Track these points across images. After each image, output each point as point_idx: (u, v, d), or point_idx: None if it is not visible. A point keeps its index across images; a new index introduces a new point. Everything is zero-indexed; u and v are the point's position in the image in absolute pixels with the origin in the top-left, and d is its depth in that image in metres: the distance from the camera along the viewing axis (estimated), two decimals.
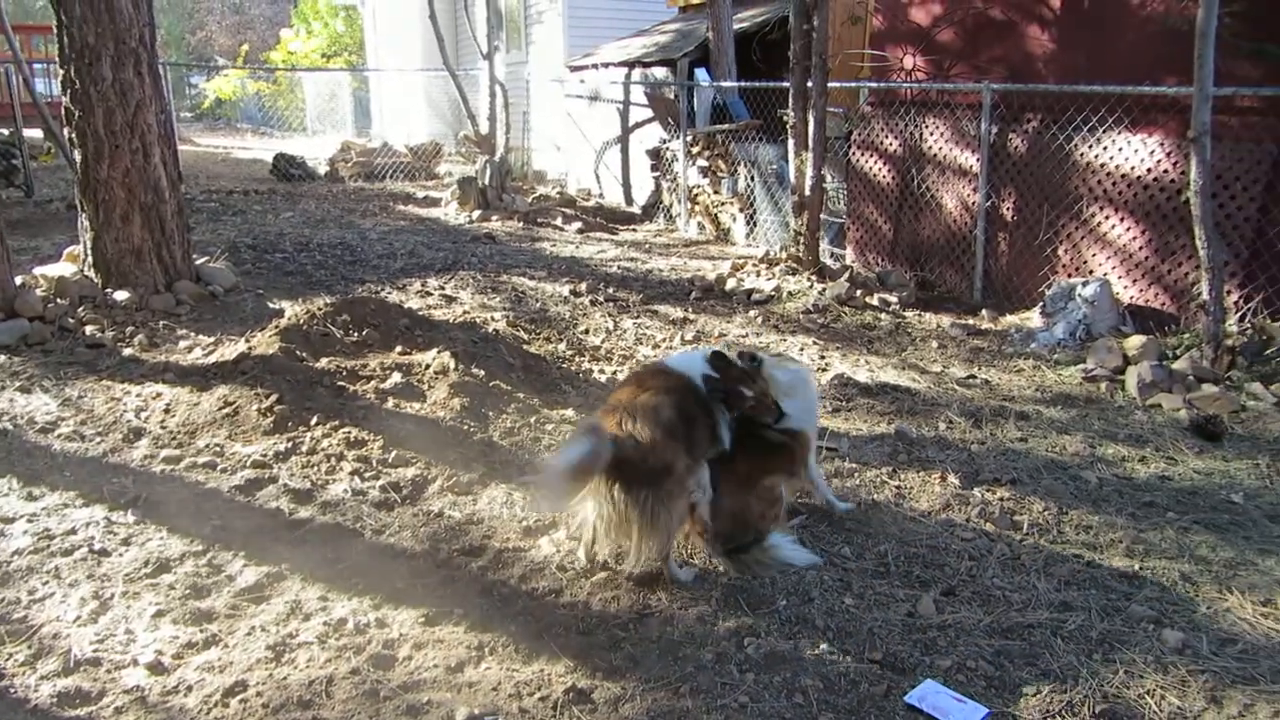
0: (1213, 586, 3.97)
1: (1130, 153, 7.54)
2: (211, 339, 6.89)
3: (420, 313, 7.33)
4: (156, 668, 3.35)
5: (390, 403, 5.62)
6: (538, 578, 3.97)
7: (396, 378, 5.83)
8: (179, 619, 3.63)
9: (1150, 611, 3.76)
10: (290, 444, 5.11)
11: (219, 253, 9.31)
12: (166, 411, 5.55)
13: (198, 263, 8.44)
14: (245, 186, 15.71)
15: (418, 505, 4.60)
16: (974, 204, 8.74)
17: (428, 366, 6.02)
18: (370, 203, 14.57)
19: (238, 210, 13.25)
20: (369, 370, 5.95)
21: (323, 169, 18.07)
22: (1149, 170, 7.42)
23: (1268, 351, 6.42)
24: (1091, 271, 7.89)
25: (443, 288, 8.80)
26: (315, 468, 4.91)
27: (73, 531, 4.24)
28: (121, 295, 7.47)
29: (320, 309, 6.63)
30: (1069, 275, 8.01)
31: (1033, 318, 7.84)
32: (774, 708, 3.16)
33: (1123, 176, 7.61)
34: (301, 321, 6.45)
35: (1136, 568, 4.10)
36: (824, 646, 3.56)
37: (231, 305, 7.98)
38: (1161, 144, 7.34)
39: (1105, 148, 7.69)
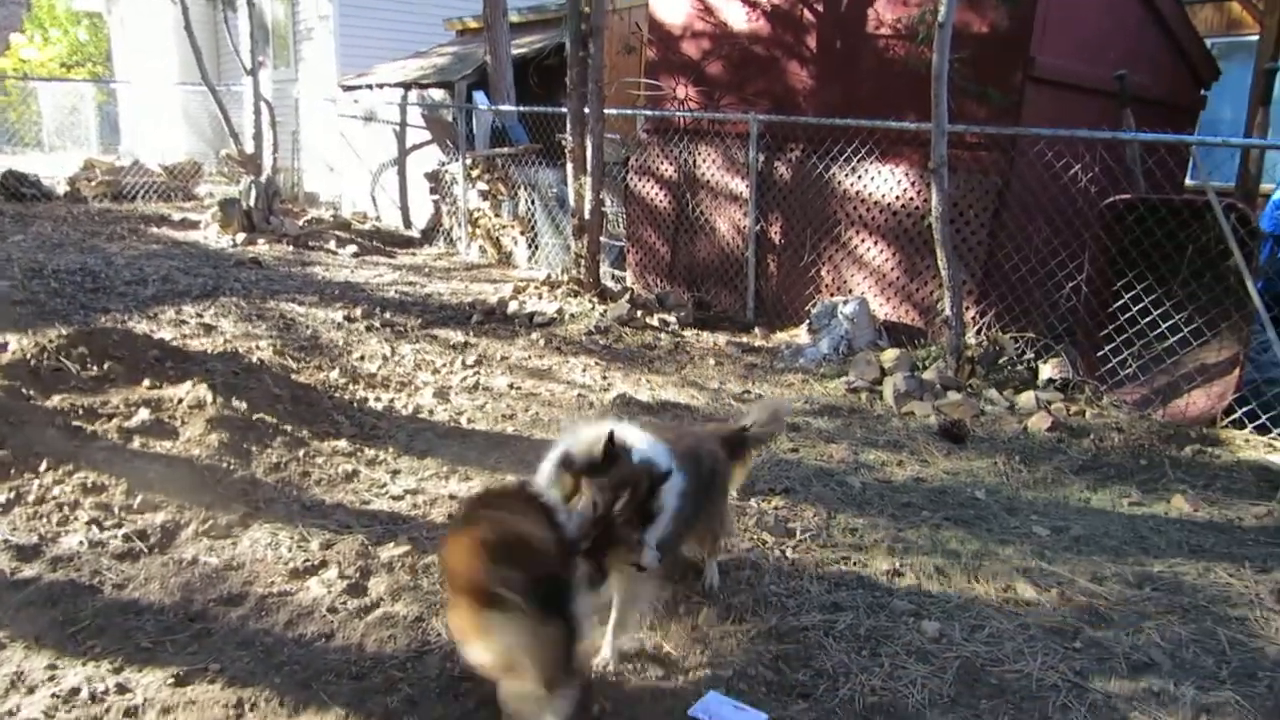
0: (963, 577, 4.28)
1: (881, 181, 8.13)
2: None
3: (174, 343, 6.75)
4: None
5: (136, 442, 5.10)
6: (306, 622, 3.70)
7: (144, 414, 5.31)
8: None
9: (910, 605, 4.00)
10: (13, 494, 4.51)
11: None
12: None
13: None
14: None
15: (168, 553, 4.18)
16: (745, 228, 9.13)
17: (180, 401, 5.52)
18: (118, 225, 13.35)
19: None
20: (111, 408, 5.38)
21: (62, 188, 16.40)
22: (898, 197, 8.03)
23: (1000, 360, 7.09)
24: (851, 290, 8.43)
25: (200, 315, 8.16)
26: (44, 519, 4.36)
27: None
28: None
29: (52, 341, 5.94)
30: (831, 294, 8.52)
31: (800, 334, 8.27)
32: None
33: (875, 203, 8.19)
34: (29, 355, 5.76)
35: (897, 565, 4.36)
36: (608, 668, 3.52)
37: None
38: (907, 174, 7.96)
39: (860, 176, 8.26)
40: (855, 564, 4.38)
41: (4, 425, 4.93)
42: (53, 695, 3.20)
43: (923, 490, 5.29)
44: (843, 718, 3.28)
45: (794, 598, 4.05)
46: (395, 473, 5.22)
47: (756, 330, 8.74)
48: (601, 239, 9.77)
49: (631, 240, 10.52)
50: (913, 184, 7.93)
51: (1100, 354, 6.92)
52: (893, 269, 8.14)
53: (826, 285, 8.66)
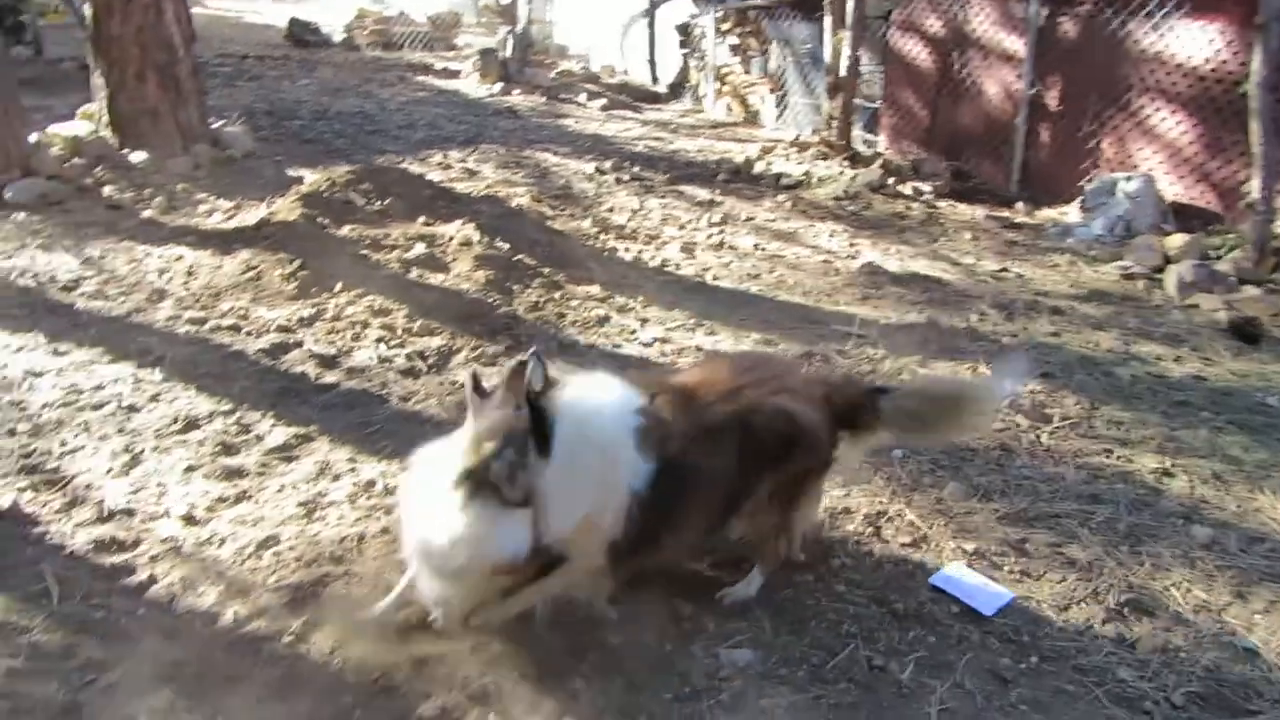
0: (1244, 486, 3.94)
1: (1189, 40, 7.18)
2: (232, 203, 6.78)
3: (442, 185, 7.18)
4: (190, 520, 3.38)
5: (414, 272, 5.54)
6: None
7: (420, 248, 5.73)
8: (210, 474, 3.65)
9: (1180, 508, 3.75)
10: (314, 310, 5.06)
11: (236, 117, 9.08)
12: (189, 274, 5.49)
13: (215, 126, 8.25)
14: (260, 51, 15.24)
15: (443, 374, 4.57)
16: (1017, 91, 8.40)
17: (451, 238, 5.91)
18: (388, 72, 14.15)
19: (253, 75, 12.89)
20: (392, 240, 5.85)
21: (338, 36, 17.50)
22: (1207, 59, 7.08)
23: None
24: (1136, 166, 7.63)
25: (464, 161, 8.60)
26: (340, 334, 4.87)
27: (100, 387, 4.24)
28: (138, 156, 7.32)
29: (341, 176, 6.49)
30: (1112, 169, 7.75)
31: (1070, 212, 7.64)
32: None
33: (1178, 66, 7.27)
34: (322, 189, 6.32)
35: (1168, 465, 4.07)
36: (850, 527, 3.57)
37: (250, 170, 7.82)
38: (1222, 31, 6.98)
39: (1162, 35, 7.33)
40: (1119, 458, 4.13)
41: (305, 248, 5.50)
42: (353, 484, 3.64)
43: (1203, 390, 4.85)
44: (1094, 610, 3.17)
45: (1048, 484, 3.89)
46: (644, 321, 5.39)
47: (1019, 205, 8.15)
48: (855, 100, 9.31)
49: (888, 102, 9.97)
50: (1228, 43, 6.94)
51: None
52: (1190, 143, 7.27)
53: (1106, 159, 7.88)
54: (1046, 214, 7.92)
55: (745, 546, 3.20)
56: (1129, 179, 7.22)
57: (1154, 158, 7.53)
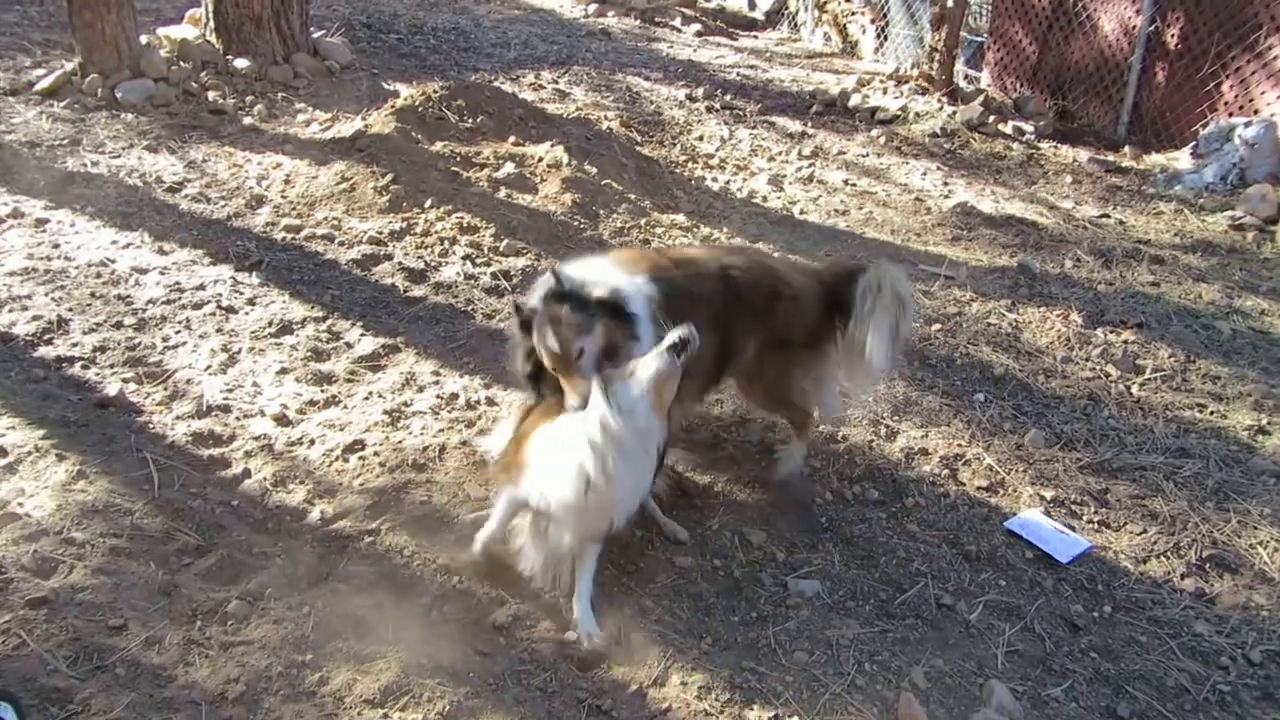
0: None
1: None
2: (328, 114, 6.88)
3: (534, 105, 7.16)
4: (282, 420, 3.53)
5: (502, 192, 5.58)
6: None
7: (509, 168, 5.76)
8: (301, 377, 3.80)
9: (1273, 466, 3.62)
10: (405, 224, 5.15)
11: (335, 28, 9.15)
12: (286, 182, 5.63)
13: (314, 37, 8.33)
14: None
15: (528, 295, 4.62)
16: (1135, 27, 7.94)
17: (540, 159, 5.92)
18: None
19: None
20: (482, 158, 5.88)
21: None
22: None
23: None
24: (1257, 112, 7.19)
25: (556, 82, 8.55)
26: (429, 249, 4.95)
27: (202, 287, 4.41)
28: (242, 63, 7.45)
29: (435, 93, 6.52)
30: (1231, 115, 7.32)
31: (1181, 158, 7.26)
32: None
33: None
34: (417, 104, 6.36)
35: (1264, 422, 3.92)
36: (927, 469, 3.54)
37: (347, 82, 7.90)
38: None
39: None
40: (1212, 413, 4.00)
41: (398, 163, 5.57)
42: (437, 396, 3.75)
43: None
44: (1174, 564, 3.11)
45: (1134, 435, 3.80)
46: None
47: (1126, 149, 7.77)
48: (960, 33, 8.92)
49: (994, 36, 9.53)
50: None
51: None
52: None
53: (1226, 103, 7.44)
54: (1155, 159, 7.54)
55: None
56: (1248, 124, 6.81)
57: (1278, 103, 7.08)
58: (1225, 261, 5.68)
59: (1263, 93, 7.17)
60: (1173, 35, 7.76)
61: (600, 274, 2.81)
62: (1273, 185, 6.46)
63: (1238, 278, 5.44)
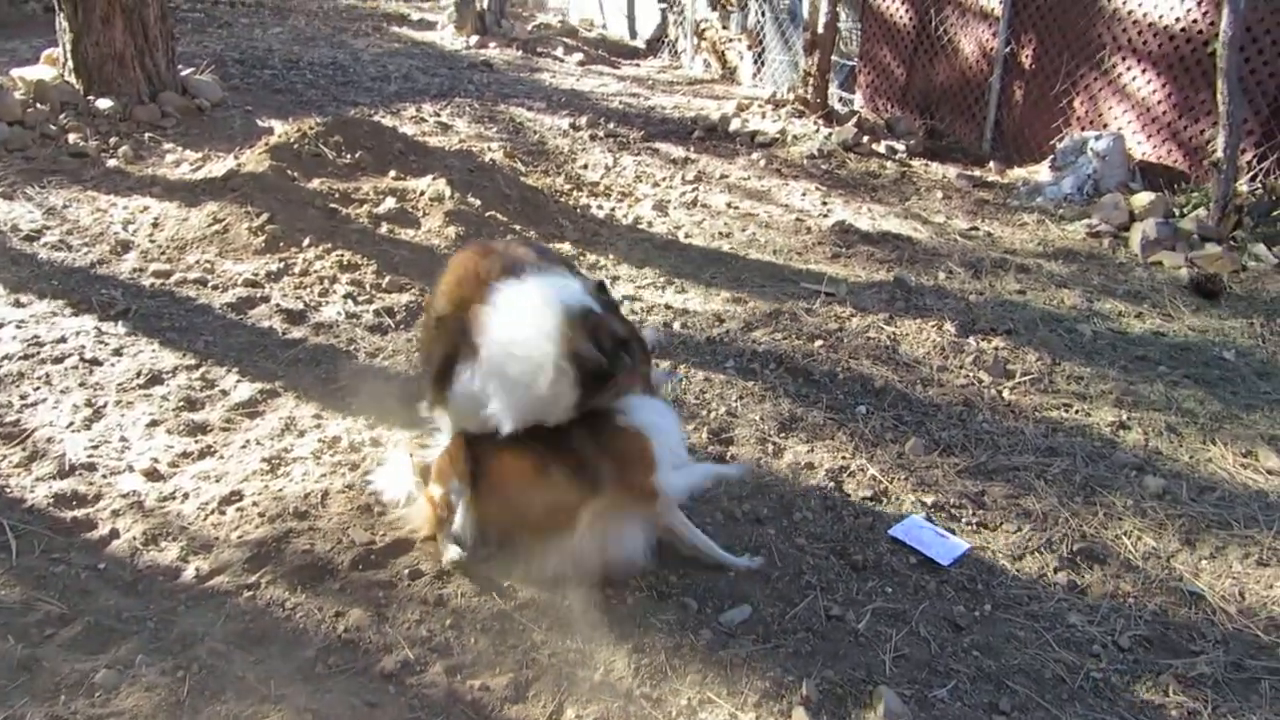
0: (1197, 438, 4.03)
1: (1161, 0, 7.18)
2: (199, 154, 6.67)
3: (415, 139, 7.09)
4: (152, 474, 3.38)
5: (384, 228, 5.50)
6: None
7: (390, 203, 5.69)
8: (173, 429, 3.65)
9: (1134, 459, 3.83)
10: (282, 264, 5.02)
11: (205, 65, 8.89)
12: (155, 226, 5.43)
13: (183, 74, 8.08)
14: None
15: (411, 331, 4.56)
16: (993, 50, 8.38)
17: (422, 193, 5.86)
18: (363, 22, 13.89)
19: (224, 22, 12.60)
20: (362, 194, 5.79)
21: None
22: (1178, 19, 7.08)
23: (1275, 213, 6.32)
24: (1106, 125, 7.65)
25: (438, 114, 8.50)
26: (308, 289, 4.84)
27: (63, 340, 4.20)
28: (104, 104, 7.17)
29: (312, 128, 6.40)
30: (1083, 128, 7.77)
31: (1041, 171, 7.66)
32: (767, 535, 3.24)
33: (1150, 25, 7.26)
34: (292, 140, 6.23)
35: (1124, 418, 4.15)
36: (813, 482, 3.62)
37: (219, 120, 7.69)
38: None
39: None
40: (1077, 412, 4.20)
41: (274, 202, 5.43)
42: (318, 440, 3.65)
43: (1162, 345, 4.92)
44: (1047, 559, 3.25)
45: (1007, 438, 3.96)
46: (614, 279, 5.38)
47: (991, 164, 8.17)
48: (832, 57, 9.25)
49: (864, 60, 9.91)
50: (1198, 2, 6.94)
51: None
52: (1159, 102, 7.29)
53: (1078, 118, 7.90)
54: (1017, 173, 7.94)
55: None
56: (1099, 138, 7.24)
57: (1124, 117, 7.55)
58: (1085, 267, 6.00)
59: (1110, 107, 7.64)
60: (1027, 56, 8.20)
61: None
62: (1124, 194, 6.87)
63: (1096, 282, 5.75)
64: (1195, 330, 5.14)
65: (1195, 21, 6.98)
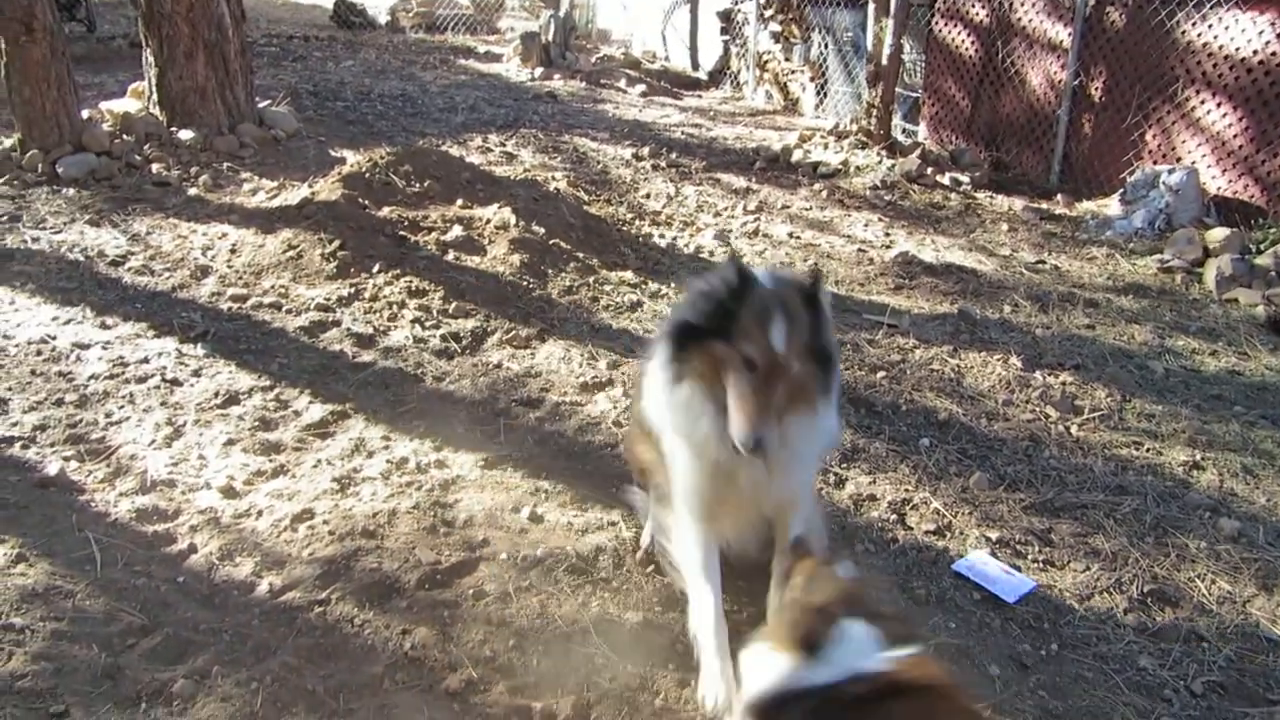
0: (1274, 480, 3.92)
1: (1238, 32, 7.04)
2: (275, 183, 6.91)
3: (481, 168, 7.25)
4: (229, 492, 3.49)
5: (451, 255, 5.62)
6: (593, 431, 4.04)
7: (458, 230, 5.81)
8: (249, 448, 3.77)
9: (1208, 500, 3.73)
10: (353, 290, 5.16)
11: (281, 97, 9.23)
12: (232, 251, 5.62)
13: (260, 106, 8.39)
14: (305, 32, 15.42)
15: (477, 356, 4.65)
16: (1061, 81, 8.30)
17: (488, 221, 5.99)
18: (431, 55, 14.26)
19: (298, 56, 13.06)
20: (430, 222, 5.93)
21: (383, 18, 17.64)
22: (1256, 51, 6.94)
23: None
24: (1179, 159, 7.51)
25: (504, 144, 8.68)
26: (377, 314, 4.97)
27: (146, 361, 4.37)
28: (186, 134, 7.48)
29: (382, 158, 6.58)
30: (1155, 162, 7.64)
31: (1111, 205, 7.54)
32: None
33: (1226, 58, 7.14)
34: (364, 170, 6.42)
35: (1198, 458, 4.05)
36: (875, 514, 3.60)
37: (294, 150, 7.95)
38: (1273, 23, 6.84)
39: (1211, 25, 7.19)
40: (1148, 450, 4.11)
41: (345, 229, 5.59)
42: (387, 461, 3.74)
43: (1238, 384, 4.80)
44: (1117, 600, 3.18)
45: (1075, 474, 3.89)
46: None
47: (1059, 197, 8.06)
48: (896, 88, 9.24)
49: (929, 91, 9.88)
50: (1278, 35, 6.81)
51: None
52: (1235, 136, 7.14)
53: (1150, 151, 7.77)
54: (1086, 206, 7.82)
55: None
56: (1171, 171, 7.11)
57: (1198, 150, 7.40)
58: (1156, 303, 5.88)
59: (1183, 141, 7.50)
60: (1096, 88, 8.11)
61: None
62: (1197, 229, 6.73)
63: (1168, 318, 5.63)
64: (1273, 370, 5.00)
65: (1275, 54, 6.84)
